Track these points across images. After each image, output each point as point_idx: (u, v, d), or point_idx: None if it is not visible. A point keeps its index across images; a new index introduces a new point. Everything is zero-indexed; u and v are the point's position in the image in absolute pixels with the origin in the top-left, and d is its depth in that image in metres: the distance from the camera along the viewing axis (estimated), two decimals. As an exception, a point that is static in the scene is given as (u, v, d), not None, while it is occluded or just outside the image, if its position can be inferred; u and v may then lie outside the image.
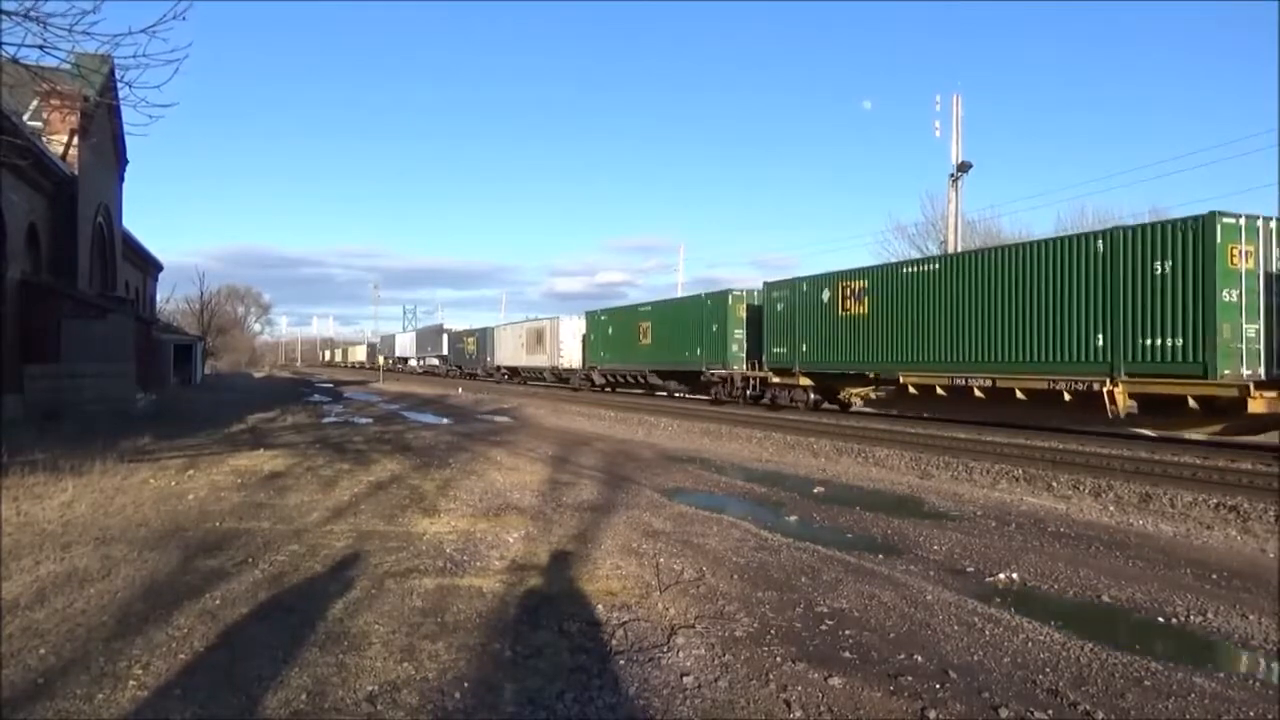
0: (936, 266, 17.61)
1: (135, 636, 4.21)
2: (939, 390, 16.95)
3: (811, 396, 21.76)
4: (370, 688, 3.64)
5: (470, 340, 55.14)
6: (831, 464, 13.14)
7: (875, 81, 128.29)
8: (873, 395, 19.99)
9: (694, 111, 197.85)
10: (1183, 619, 5.17)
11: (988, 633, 4.66)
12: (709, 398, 26.34)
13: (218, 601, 4.85)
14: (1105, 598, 5.62)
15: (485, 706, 3.50)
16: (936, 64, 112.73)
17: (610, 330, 33.70)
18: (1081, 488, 10.09)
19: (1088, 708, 3.65)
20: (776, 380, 22.46)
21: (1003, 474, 11.21)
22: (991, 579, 6.06)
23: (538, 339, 41.85)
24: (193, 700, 3.47)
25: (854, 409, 21.26)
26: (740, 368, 24.43)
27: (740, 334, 24.60)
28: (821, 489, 10.55)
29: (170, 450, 12.18)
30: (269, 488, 9.12)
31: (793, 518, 8.56)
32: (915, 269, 18.24)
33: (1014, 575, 6.13)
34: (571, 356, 38.11)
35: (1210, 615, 5.19)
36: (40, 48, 7.52)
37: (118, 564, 5.65)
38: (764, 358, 22.80)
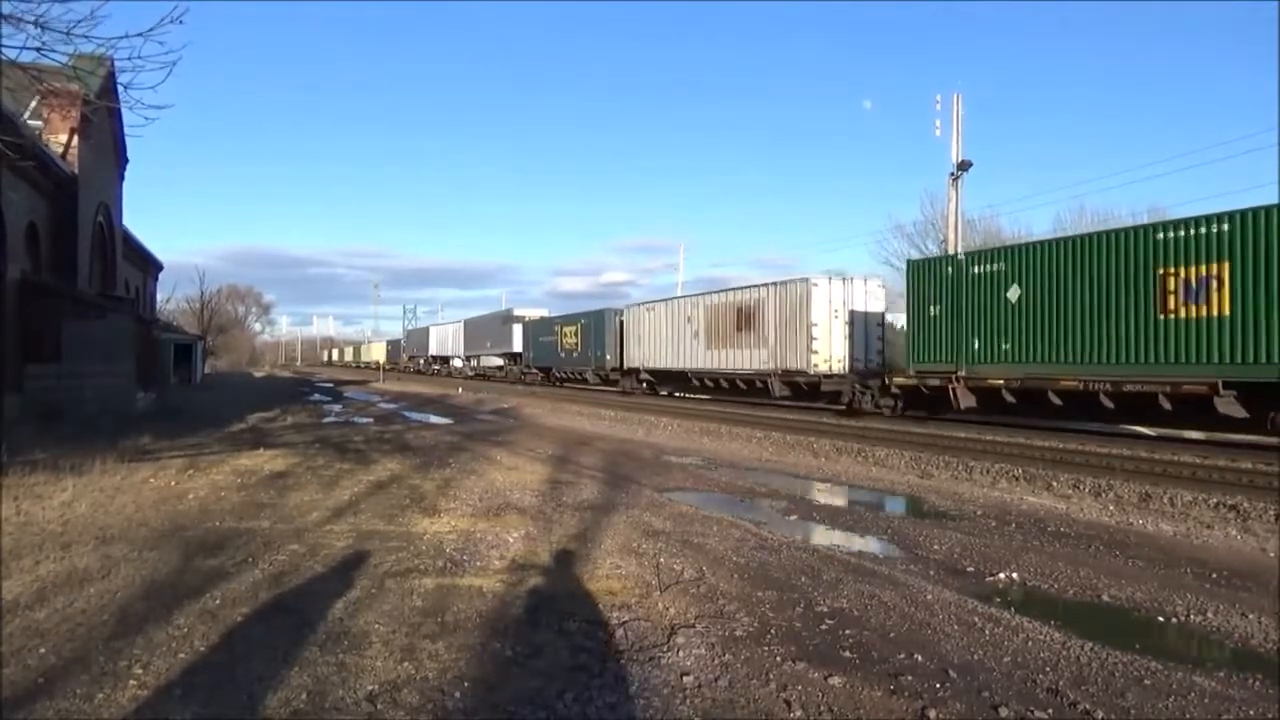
0: None
1: (135, 636, 4.21)
2: None
3: None
4: (370, 687, 3.64)
5: (569, 331, 37.46)
6: (831, 464, 13.14)
7: (875, 81, 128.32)
8: None
9: (695, 112, 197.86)
10: (1183, 618, 5.17)
11: (988, 632, 4.66)
12: None
13: (218, 601, 4.85)
14: (1105, 597, 5.62)
15: (485, 706, 3.50)
16: (936, 64, 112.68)
17: (1032, 286, 15.53)
18: (1081, 487, 10.09)
19: (1088, 707, 3.64)
20: None
21: (1003, 473, 11.21)
22: (992, 579, 6.06)
23: (743, 321, 24.41)
24: (193, 700, 3.47)
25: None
26: None
27: None
28: (821, 489, 10.54)
29: (171, 450, 12.18)
30: (269, 487, 9.12)
31: (793, 517, 8.56)
32: None
33: (1014, 575, 6.13)
34: (830, 351, 21.73)
35: (1210, 614, 5.19)
36: (39, 50, 7.54)
37: (118, 564, 5.65)
38: None
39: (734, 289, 25.82)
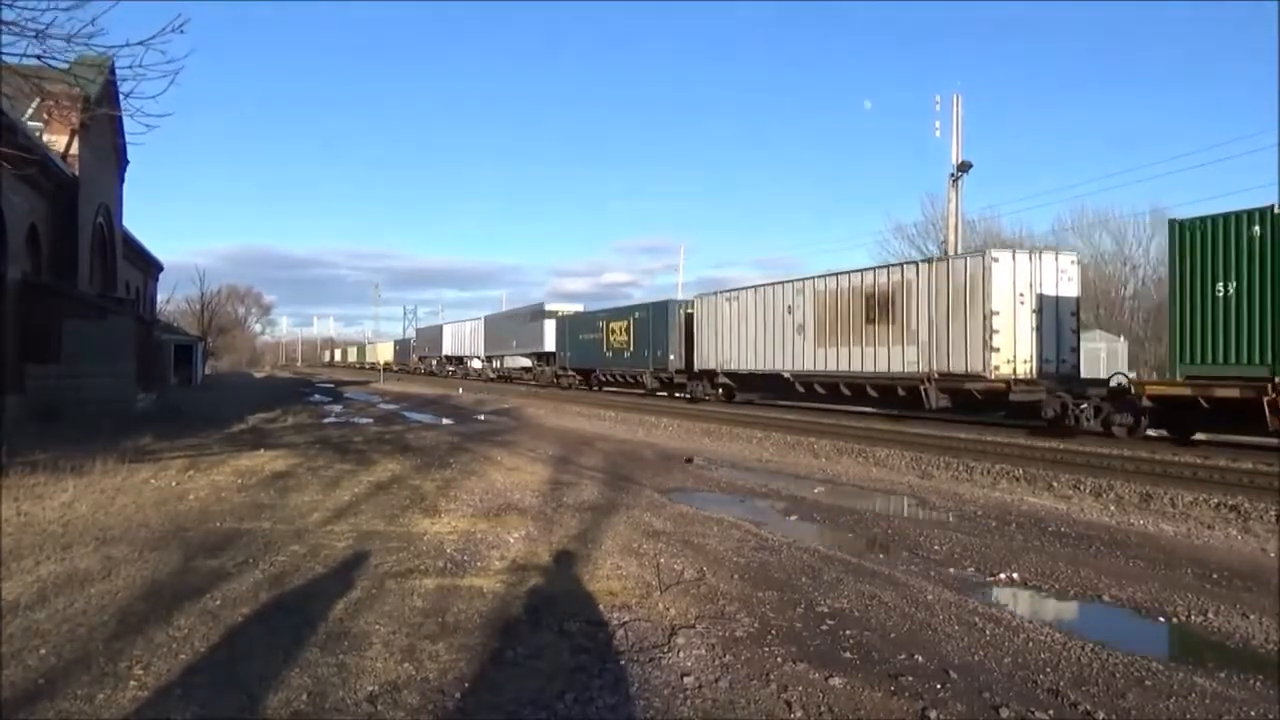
0: None
1: (136, 637, 4.21)
2: None
3: None
4: (371, 688, 3.64)
5: (618, 327, 31.48)
6: (832, 464, 13.13)
7: (875, 81, 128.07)
8: None
9: (695, 112, 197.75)
10: (1183, 619, 5.18)
11: (988, 632, 4.66)
12: None
13: (219, 602, 4.85)
14: (1106, 597, 5.62)
15: (486, 707, 3.50)
16: (936, 64, 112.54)
17: None
18: (1082, 487, 10.09)
19: (1088, 707, 3.64)
20: None
21: (1003, 474, 11.20)
22: (992, 579, 6.06)
23: (876, 309, 18.90)
24: (193, 700, 3.47)
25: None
26: None
27: None
28: (822, 489, 10.55)
29: (171, 450, 12.18)
30: (270, 488, 9.12)
31: (793, 517, 8.57)
32: None
33: (1015, 575, 6.13)
34: (1013, 349, 16.10)
35: (1211, 615, 5.19)
36: (39, 58, 7.54)
37: (118, 564, 5.64)
38: None
39: (861, 269, 20.37)
